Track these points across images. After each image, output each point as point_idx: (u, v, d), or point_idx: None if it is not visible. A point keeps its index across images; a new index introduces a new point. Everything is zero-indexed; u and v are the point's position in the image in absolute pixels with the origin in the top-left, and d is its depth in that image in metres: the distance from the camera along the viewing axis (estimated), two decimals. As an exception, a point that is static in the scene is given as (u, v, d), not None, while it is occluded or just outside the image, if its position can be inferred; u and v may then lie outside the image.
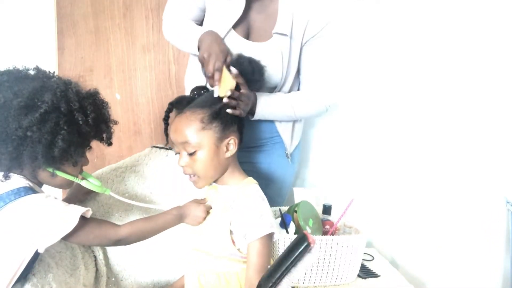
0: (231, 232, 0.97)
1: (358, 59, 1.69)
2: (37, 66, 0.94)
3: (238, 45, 1.16)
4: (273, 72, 1.19)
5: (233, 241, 0.97)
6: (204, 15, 1.25)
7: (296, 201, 1.35)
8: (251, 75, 1.06)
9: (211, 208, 1.04)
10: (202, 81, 1.14)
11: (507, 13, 1.64)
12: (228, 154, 0.99)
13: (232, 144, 0.99)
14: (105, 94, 1.91)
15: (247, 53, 1.09)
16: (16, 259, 0.84)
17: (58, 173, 0.90)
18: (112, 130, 1.01)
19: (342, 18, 1.63)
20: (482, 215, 1.75)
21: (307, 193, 1.38)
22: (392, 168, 1.74)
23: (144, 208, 1.19)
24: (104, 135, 0.98)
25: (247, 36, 1.21)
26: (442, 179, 1.73)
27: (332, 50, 1.28)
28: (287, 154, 1.34)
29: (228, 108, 1.00)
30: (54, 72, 0.94)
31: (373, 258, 1.46)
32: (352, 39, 1.68)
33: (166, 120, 1.06)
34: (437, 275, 1.77)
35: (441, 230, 1.75)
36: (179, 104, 1.02)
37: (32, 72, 0.92)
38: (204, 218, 1.03)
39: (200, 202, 1.06)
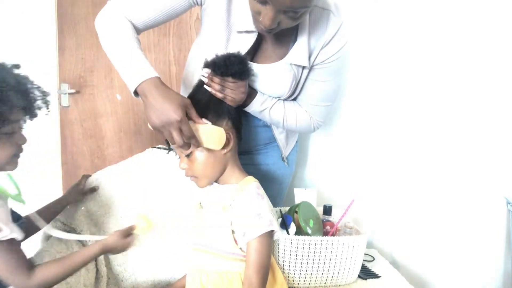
0: (232, 231, 0.97)
1: (358, 59, 1.69)
2: None
3: None
4: (278, 91, 1.16)
5: (235, 241, 0.97)
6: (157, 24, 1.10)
7: (297, 201, 1.35)
8: (234, 69, 1.01)
9: (137, 236, 1.04)
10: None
11: (507, 13, 1.64)
12: (225, 150, 0.99)
13: (227, 139, 0.99)
14: (106, 95, 1.93)
15: (255, 75, 1.09)
16: None
17: None
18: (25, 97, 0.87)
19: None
20: (482, 215, 1.75)
21: (308, 194, 1.38)
22: (392, 168, 1.74)
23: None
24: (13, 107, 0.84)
25: (252, 57, 1.14)
26: (442, 179, 1.73)
27: (337, 75, 1.20)
28: (283, 158, 1.35)
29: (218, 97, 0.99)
30: None
31: (374, 259, 1.46)
32: (351, 39, 1.67)
33: None
34: (437, 275, 1.77)
35: (441, 231, 1.75)
36: None
37: None
38: (130, 246, 1.01)
39: (125, 232, 1.00)
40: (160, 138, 0.95)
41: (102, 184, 1.21)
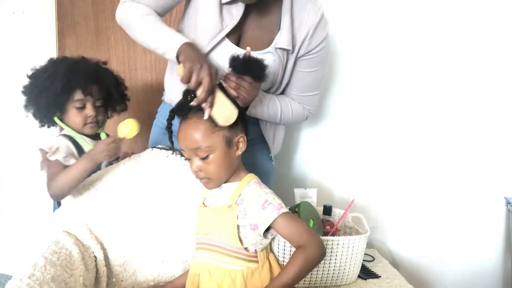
0: (238, 229, 0.97)
1: (359, 60, 1.69)
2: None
3: (231, 53, 1.09)
4: (269, 82, 1.20)
5: (240, 240, 0.97)
6: (174, 4, 1.18)
7: (297, 201, 1.36)
8: (254, 69, 1.04)
9: (119, 139, 1.13)
10: None
11: (507, 13, 1.64)
12: (239, 152, 1.01)
13: (241, 142, 1.01)
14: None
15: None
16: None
17: (55, 119, 1.19)
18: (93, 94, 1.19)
19: (342, 19, 1.63)
20: (482, 215, 1.75)
21: (308, 194, 1.38)
22: (392, 169, 1.74)
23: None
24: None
25: (238, 43, 1.17)
26: (442, 179, 1.74)
27: (323, 64, 1.26)
28: (271, 157, 1.36)
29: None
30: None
31: (374, 259, 1.46)
32: (351, 39, 1.68)
33: (169, 127, 1.04)
34: (437, 275, 1.78)
35: (441, 230, 1.76)
36: (181, 111, 1.01)
37: None
38: (115, 152, 1.13)
39: (108, 141, 1.13)
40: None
41: (102, 184, 1.21)
